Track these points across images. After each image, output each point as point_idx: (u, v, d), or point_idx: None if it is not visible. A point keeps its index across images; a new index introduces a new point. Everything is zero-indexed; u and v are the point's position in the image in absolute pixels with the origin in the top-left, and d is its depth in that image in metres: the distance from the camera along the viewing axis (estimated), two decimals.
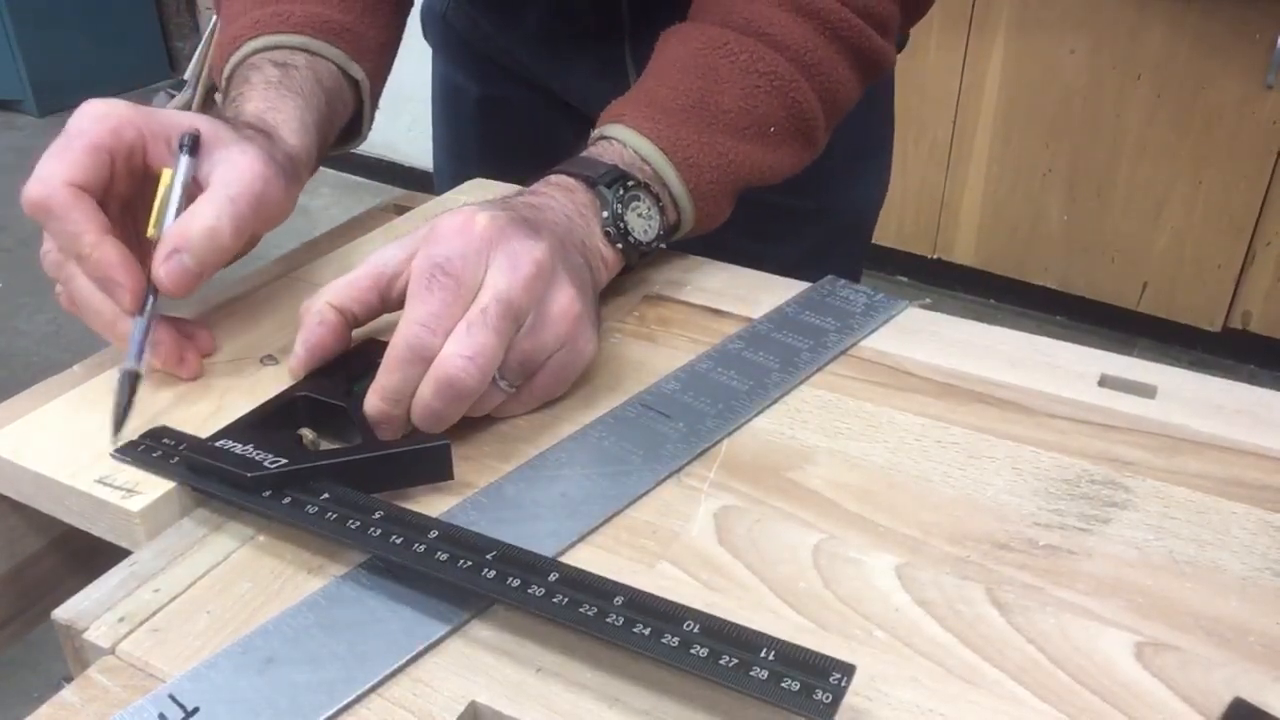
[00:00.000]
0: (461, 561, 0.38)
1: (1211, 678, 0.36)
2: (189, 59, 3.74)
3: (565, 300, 0.48)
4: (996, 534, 0.43)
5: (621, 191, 0.55)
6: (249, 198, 0.49)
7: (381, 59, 0.67)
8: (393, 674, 0.36)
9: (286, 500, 0.42)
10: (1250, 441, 0.48)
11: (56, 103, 3.67)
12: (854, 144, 0.77)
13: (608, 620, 0.36)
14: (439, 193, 0.74)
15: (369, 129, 0.68)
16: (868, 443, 0.48)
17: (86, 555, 0.50)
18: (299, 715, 0.34)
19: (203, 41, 3.63)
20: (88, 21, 3.70)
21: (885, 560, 0.41)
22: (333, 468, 0.43)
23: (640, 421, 0.49)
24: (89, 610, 0.39)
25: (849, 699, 0.33)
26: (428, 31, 0.90)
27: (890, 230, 2.64)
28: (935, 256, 2.63)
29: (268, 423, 0.47)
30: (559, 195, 0.54)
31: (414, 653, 0.37)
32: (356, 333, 0.50)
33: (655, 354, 0.55)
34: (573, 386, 0.51)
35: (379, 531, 0.40)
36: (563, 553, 0.42)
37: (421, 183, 2.84)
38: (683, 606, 0.36)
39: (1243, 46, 2.10)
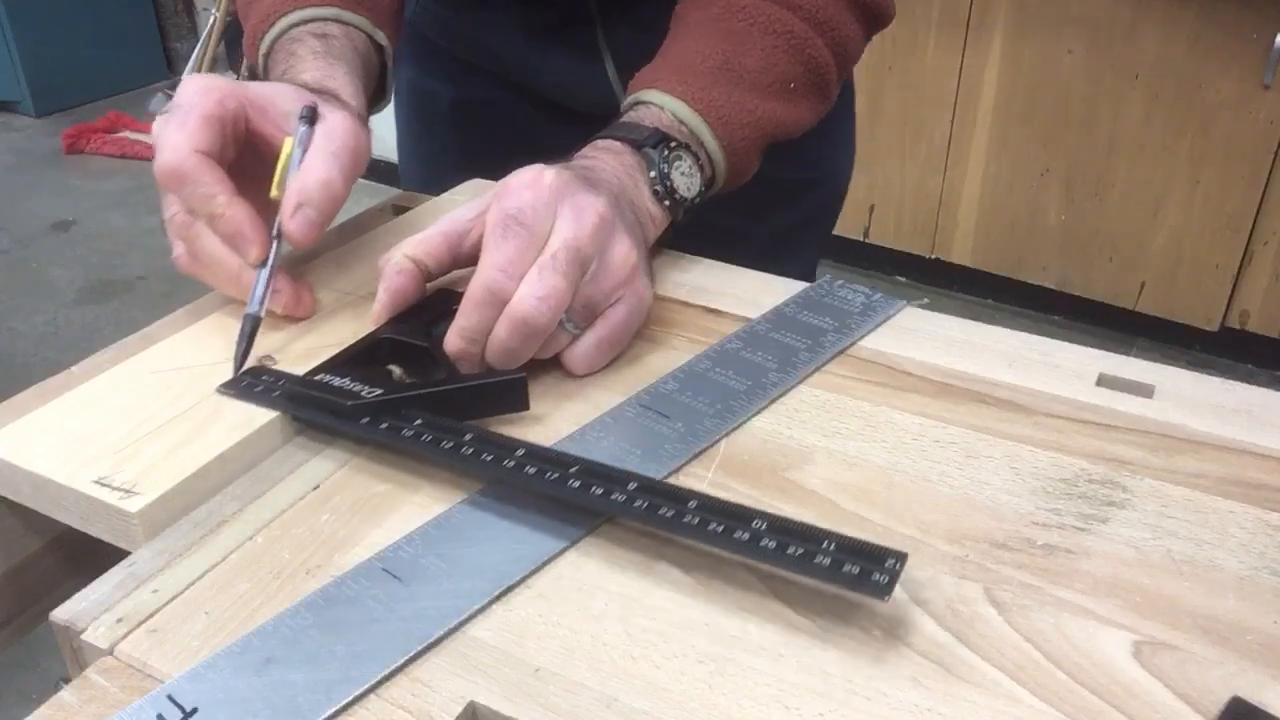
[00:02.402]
0: (548, 474, 0.42)
1: (1209, 676, 0.36)
2: (186, 60, 3.74)
3: (624, 250, 0.52)
4: (994, 533, 0.43)
5: (666, 152, 0.58)
6: (348, 151, 0.54)
7: (397, 23, 0.71)
8: (391, 674, 0.36)
9: (383, 426, 0.46)
10: (1248, 441, 0.48)
11: (54, 103, 3.67)
12: (828, 121, 0.81)
13: (684, 520, 0.39)
14: None
15: (391, 91, 0.72)
16: (866, 442, 0.48)
17: (85, 556, 0.50)
18: (297, 715, 0.34)
19: (200, 42, 3.63)
20: (85, 22, 3.70)
21: None
22: (423, 397, 0.47)
23: (639, 421, 0.49)
24: (87, 611, 0.39)
25: (850, 696, 0.33)
26: None
27: (888, 230, 2.64)
28: (933, 256, 2.63)
29: (358, 361, 0.51)
30: (608, 158, 0.58)
31: (412, 653, 0.37)
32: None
33: (653, 354, 0.55)
34: (570, 387, 0.51)
35: (470, 451, 0.44)
36: (561, 553, 0.42)
37: None
38: (750, 508, 0.40)
39: (1240, 46, 2.10)
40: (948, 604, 0.39)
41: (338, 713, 0.35)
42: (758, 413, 0.50)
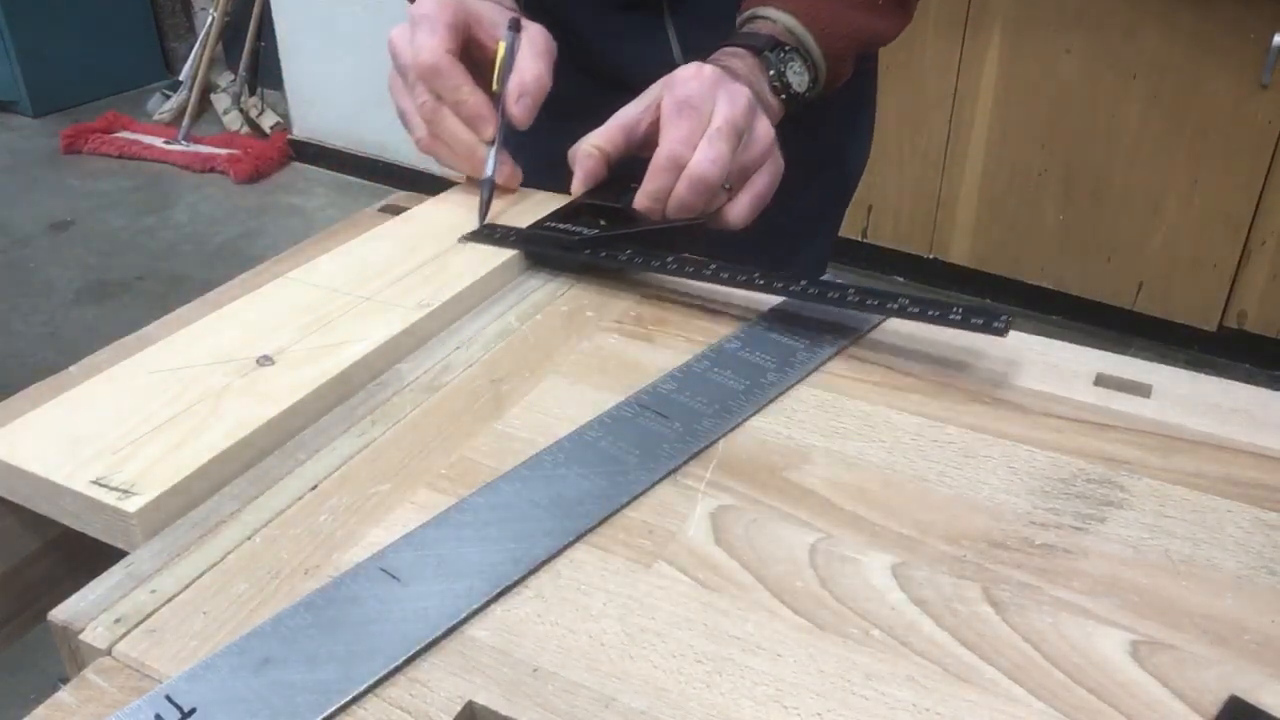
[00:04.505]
0: (739, 276, 0.58)
1: (1207, 676, 0.36)
2: (184, 60, 3.74)
3: (765, 128, 0.66)
4: (992, 533, 0.43)
5: (781, 55, 0.71)
6: (548, 54, 0.69)
7: None
8: (390, 674, 0.36)
9: (603, 255, 0.61)
10: (1246, 440, 0.48)
11: (52, 103, 3.67)
12: (849, 104, 0.91)
13: (848, 298, 0.54)
14: None
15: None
16: (864, 442, 0.48)
17: (83, 556, 0.50)
18: (296, 716, 0.34)
19: (198, 42, 3.63)
20: (83, 23, 3.69)
21: (882, 559, 0.41)
22: (630, 235, 0.63)
23: (637, 421, 0.49)
24: (85, 611, 0.39)
25: (848, 696, 0.33)
26: None
27: (886, 230, 2.64)
28: (931, 256, 2.63)
29: (568, 217, 0.66)
30: (736, 61, 0.69)
31: (411, 653, 0.37)
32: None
33: (652, 354, 0.55)
34: (569, 386, 0.52)
35: (674, 267, 0.59)
36: (559, 553, 0.42)
37: (416, 183, 2.84)
38: (896, 291, 0.54)
39: (1238, 45, 2.10)
40: (946, 603, 0.39)
41: (336, 713, 0.35)
42: (756, 412, 0.50)
